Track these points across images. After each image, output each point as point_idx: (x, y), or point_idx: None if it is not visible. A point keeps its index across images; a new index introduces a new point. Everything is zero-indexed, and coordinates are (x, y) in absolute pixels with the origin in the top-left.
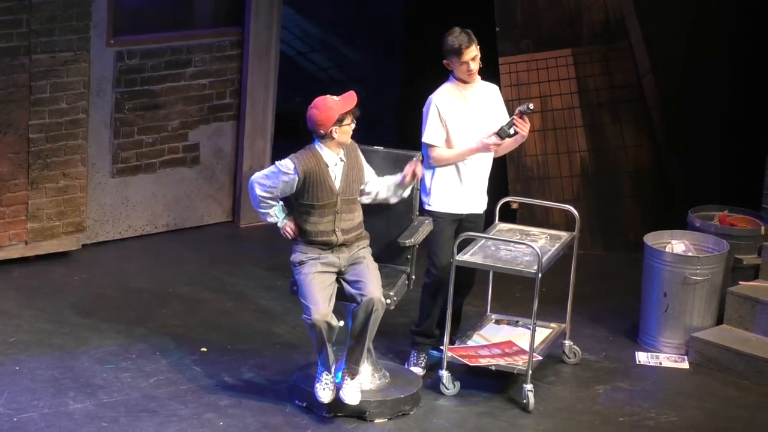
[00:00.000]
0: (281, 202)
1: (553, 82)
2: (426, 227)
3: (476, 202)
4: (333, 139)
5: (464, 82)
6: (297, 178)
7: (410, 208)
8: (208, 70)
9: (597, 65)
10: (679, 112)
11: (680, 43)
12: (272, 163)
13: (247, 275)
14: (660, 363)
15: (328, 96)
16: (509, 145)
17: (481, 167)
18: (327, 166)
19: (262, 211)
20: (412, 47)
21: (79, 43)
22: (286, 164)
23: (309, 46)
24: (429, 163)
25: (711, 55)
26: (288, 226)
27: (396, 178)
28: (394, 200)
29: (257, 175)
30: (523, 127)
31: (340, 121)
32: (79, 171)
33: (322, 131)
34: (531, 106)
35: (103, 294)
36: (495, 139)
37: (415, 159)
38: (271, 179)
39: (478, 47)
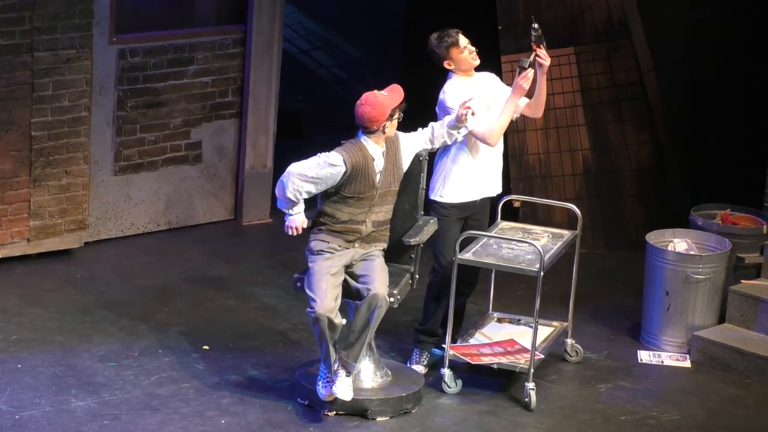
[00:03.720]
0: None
1: (555, 81)
2: (431, 227)
3: (491, 185)
4: (384, 133)
5: (466, 74)
6: (345, 171)
7: (416, 207)
8: (210, 68)
9: (599, 64)
10: (681, 111)
11: (682, 41)
12: (274, 161)
13: (249, 273)
14: (662, 361)
15: (376, 92)
16: (542, 87)
17: (493, 148)
18: (373, 160)
19: (284, 200)
20: (413, 45)
21: (82, 41)
22: (335, 157)
23: (311, 44)
24: (451, 154)
25: (713, 54)
26: (296, 222)
27: (450, 118)
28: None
29: (297, 167)
30: (543, 56)
31: (391, 116)
32: (82, 169)
33: (375, 127)
34: (536, 25)
35: (105, 292)
36: (521, 72)
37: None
38: (315, 170)
39: None
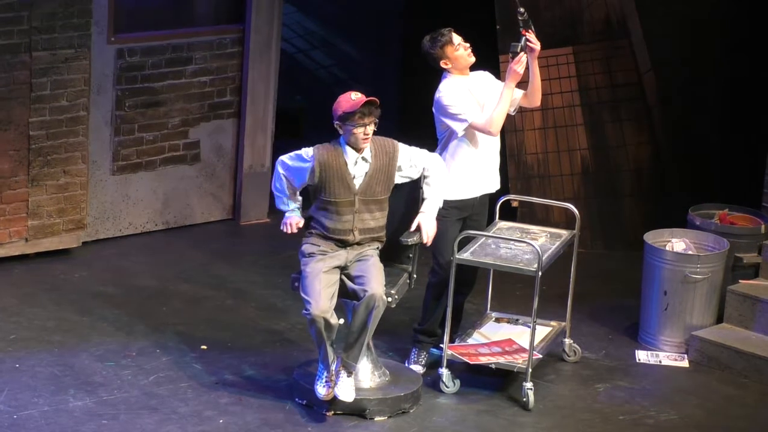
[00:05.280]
0: (300, 199)
1: (554, 80)
2: None
3: (490, 181)
4: (342, 135)
5: (462, 72)
6: (312, 167)
7: (413, 207)
8: (208, 68)
9: (597, 63)
10: (679, 111)
11: (681, 41)
12: (273, 160)
13: (247, 273)
14: (660, 361)
15: (353, 91)
16: (535, 72)
17: (491, 143)
18: (345, 164)
19: (277, 194)
20: (412, 45)
21: (80, 41)
22: (307, 150)
23: (310, 43)
24: (450, 150)
25: (711, 53)
26: (292, 220)
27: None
28: None
29: (283, 157)
30: (532, 40)
31: (342, 119)
32: (80, 168)
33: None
34: (521, 9)
35: (104, 291)
36: (514, 58)
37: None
38: (291, 161)
39: None
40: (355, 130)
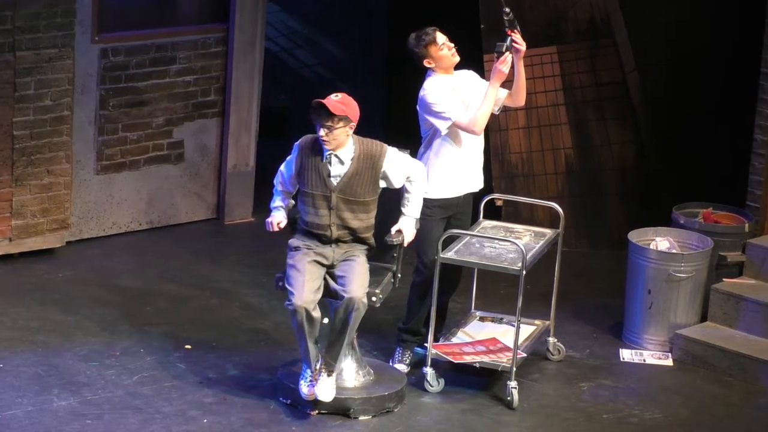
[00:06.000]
0: (292, 202)
1: (538, 80)
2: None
3: (474, 180)
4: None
5: (446, 71)
6: (296, 155)
7: (397, 206)
8: (192, 67)
9: (582, 63)
10: (663, 110)
11: (665, 40)
12: (257, 160)
13: (231, 272)
14: (644, 360)
15: (338, 93)
16: (520, 72)
17: (475, 142)
18: (321, 159)
19: (274, 191)
20: (396, 44)
21: (64, 40)
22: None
23: (294, 42)
24: (433, 148)
25: (696, 53)
26: (274, 219)
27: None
28: None
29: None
30: (518, 41)
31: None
32: (64, 168)
33: None
34: (507, 10)
35: (88, 291)
36: (499, 58)
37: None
38: (290, 154)
39: None
40: (320, 130)
